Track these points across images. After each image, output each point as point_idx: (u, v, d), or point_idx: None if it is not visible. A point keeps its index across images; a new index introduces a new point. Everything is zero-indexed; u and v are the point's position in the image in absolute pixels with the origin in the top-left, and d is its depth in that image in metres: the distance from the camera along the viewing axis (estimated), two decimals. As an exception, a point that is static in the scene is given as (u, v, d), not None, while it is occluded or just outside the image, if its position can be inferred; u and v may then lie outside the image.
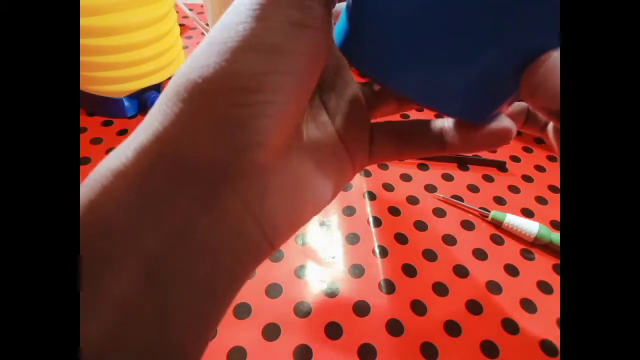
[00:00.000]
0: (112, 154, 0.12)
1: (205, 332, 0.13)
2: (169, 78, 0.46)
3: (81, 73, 0.41)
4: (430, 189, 0.39)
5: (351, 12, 0.14)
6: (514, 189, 0.40)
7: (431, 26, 0.12)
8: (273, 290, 0.30)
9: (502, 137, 0.15)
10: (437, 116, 0.44)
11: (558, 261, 0.34)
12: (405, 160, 0.42)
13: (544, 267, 0.33)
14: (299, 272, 0.31)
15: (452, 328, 0.28)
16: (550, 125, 0.19)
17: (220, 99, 0.12)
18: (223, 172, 0.12)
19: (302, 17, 0.12)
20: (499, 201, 0.39)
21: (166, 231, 0.12)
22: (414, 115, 0.48)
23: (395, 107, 0.18)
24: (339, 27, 0.15)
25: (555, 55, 0.12)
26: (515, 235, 0.35)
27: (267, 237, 0.13)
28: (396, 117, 0.43)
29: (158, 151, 0.12)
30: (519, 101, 0.15)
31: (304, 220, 0.15)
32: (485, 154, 0.43)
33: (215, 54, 0.12)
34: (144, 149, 0.12)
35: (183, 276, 0.12)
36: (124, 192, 0.12)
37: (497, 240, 0.35)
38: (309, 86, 0.13)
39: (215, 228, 0.12)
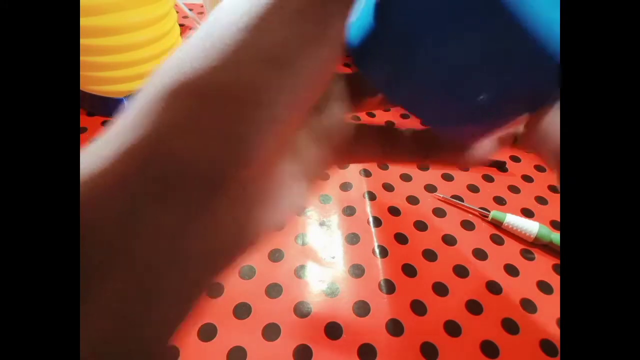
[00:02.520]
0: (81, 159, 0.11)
1: (172, 336, 0.12)
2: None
3: (81, 73, 0.41)
4: (430, 189, 0.39)
5: (375, 19, 0.14)
6: (514, 189, 0.40)
7: (440, 56, 0.12)
8: (273, 290, 0.30)
9: (477, 162, 0.16)
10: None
11: (558, 261, 0.34)
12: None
13: (544, 267, 0.33)
14: (299, 272, 0.31)
15: (452, 328, 0.28)
16: None
17: (225, 109, 0.11)
18: (217, 182, 0.12)
19: (320, 33, 0.11)
20: (499, 201, 0.39)
21: (158, 234, 0.11)
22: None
23: (379, 101, 0.18)
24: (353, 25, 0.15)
25: (555, 111, 0.12)
26: (515, 235, 0.35)
27: (248, 244, 0.14)
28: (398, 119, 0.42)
29: (151, 151, 0.11)
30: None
31: (281, 224, 0.15)
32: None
33: (220, 57, 0.11)
34: (131, 148, 0.11)
35: (171, 285, 0.11)
36: (105, 192, 0.11)
37: (497, 240, 0.35)
38: (315, 100, 0.13)
39: (203, 237, 0.12)
